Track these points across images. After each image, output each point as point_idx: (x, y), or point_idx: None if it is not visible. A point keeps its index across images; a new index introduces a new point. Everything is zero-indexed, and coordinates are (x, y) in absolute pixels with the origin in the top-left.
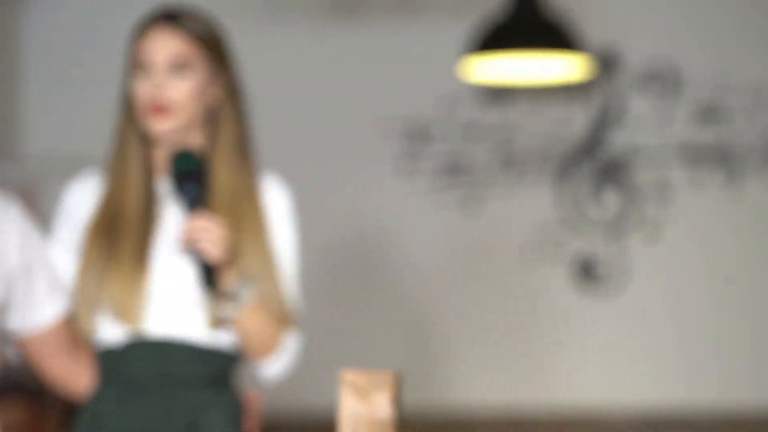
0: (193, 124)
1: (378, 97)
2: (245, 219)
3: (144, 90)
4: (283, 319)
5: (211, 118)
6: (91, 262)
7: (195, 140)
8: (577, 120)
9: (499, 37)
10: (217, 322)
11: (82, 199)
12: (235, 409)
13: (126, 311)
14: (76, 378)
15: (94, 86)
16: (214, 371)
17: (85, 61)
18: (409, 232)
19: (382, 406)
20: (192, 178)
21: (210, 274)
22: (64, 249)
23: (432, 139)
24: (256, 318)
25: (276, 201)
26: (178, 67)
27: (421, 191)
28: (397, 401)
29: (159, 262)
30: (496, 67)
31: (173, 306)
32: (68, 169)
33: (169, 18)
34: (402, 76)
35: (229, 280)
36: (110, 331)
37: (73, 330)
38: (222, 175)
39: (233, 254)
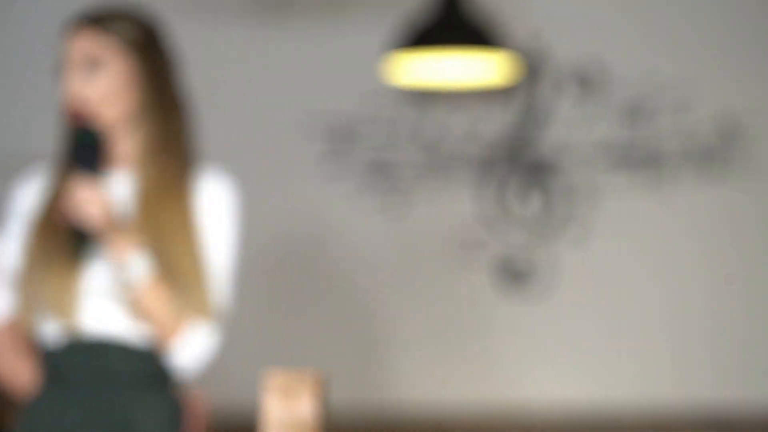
0: (117, 122)
1: (303, 96)
2: (168, 213)
3: (62, 90)
4: (197, 309)
5: (138, 118)
6: (33, 258)
7: (124, 141)
8: (503, 120)
9: (424, 36)
10: (130, 308)
11: (30, 194)
12: (173, 408)
13: (60, 307)
14: (18, 375)
15: (27, 86)
16: (150, 369)
17: (18, 61)
18: (335, 231)
19: (305, 405)
20: (87, 151)
21: (87, 239)
22: (12, 245)
23: (357, 139)
24: (154, 296)
25: (213, 196)
26: (90, 65)
27: (347, 192)
28: (322, 400)
29: (96, 259)
30: (422, 66)
31: (109, 303)
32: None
33: (88, 18)
34: (327, 76)
35: (117, 252)
36: (50, 329)
37: (18, 327)
38: (144, 171)
39: (119, 227)
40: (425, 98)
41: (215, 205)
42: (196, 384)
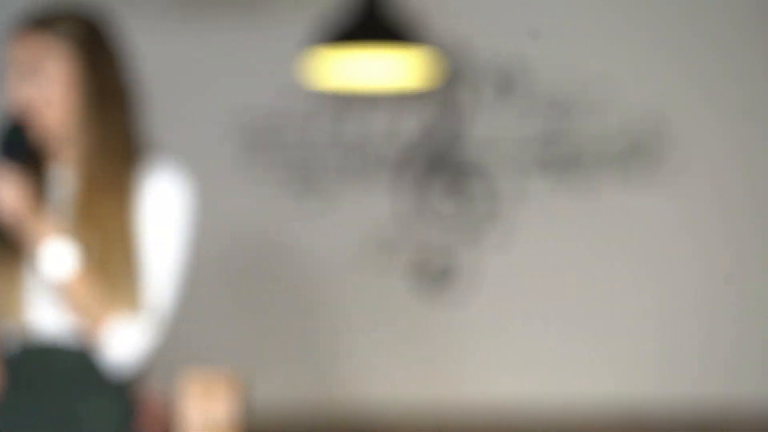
0: (63, 122)
1: (221, 96)
2: (105, 209)
3: (6, 93)
4: (126, 303)
5: (84, 117)
6: None
7: (70, 140)
8: (424, 120)
9: (344, 35)
10: (56, 298)
11: None
12: (123, 408)
13: (8, 308)
14: None
15: None
16: (98, 369)
17: None
18: (255, 231)
19: (220, 405)
20: (15, 146)
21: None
22: None
23: (275, 139)
24: (78, 286)
25: (161, 193)
26: (34, 68)
27: (265, 191)
28: (241, 400)
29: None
30: (342, 65)
31: (58, 303)
32: None
33: (31, 20)
34: (246, 76)
35: (34, 240)
36: (8, 332)
37: None
38: (85, 168)
39: (40, 216)
40: (345, 98)
41: (162, 202)
42: (157, 384)
